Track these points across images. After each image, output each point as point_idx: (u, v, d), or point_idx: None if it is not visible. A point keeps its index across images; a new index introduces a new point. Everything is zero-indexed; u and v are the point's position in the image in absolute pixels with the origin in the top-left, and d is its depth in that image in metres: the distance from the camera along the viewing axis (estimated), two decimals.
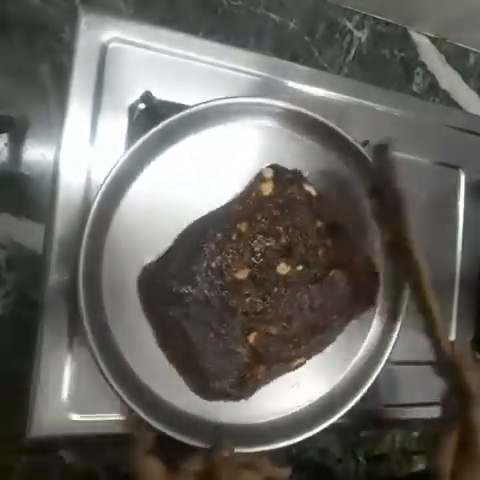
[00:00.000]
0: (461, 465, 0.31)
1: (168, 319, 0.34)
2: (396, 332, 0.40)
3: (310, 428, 0.36)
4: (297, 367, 0.38)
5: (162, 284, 0.34)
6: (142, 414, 0.32)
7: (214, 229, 0.35)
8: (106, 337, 0.34)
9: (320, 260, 0.38)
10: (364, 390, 0.38)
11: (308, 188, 0.39)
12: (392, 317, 0.40)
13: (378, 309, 0.41)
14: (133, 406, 0.32)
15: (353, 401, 0.38)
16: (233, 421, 0.37)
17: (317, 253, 0.38)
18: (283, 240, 0.37)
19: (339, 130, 0.38)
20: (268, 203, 0.37)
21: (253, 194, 0.37)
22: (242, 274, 0.36)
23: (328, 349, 0.39)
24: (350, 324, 0.40)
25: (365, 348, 0.41)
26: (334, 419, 0.37)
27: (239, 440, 0.34)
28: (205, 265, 0.35)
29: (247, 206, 0.37)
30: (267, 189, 0.37)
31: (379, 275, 0.41)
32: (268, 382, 0.37)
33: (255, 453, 0.35)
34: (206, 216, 0.37)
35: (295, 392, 0.39)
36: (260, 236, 0.36)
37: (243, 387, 0.36)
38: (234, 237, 0.36)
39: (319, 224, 0.39)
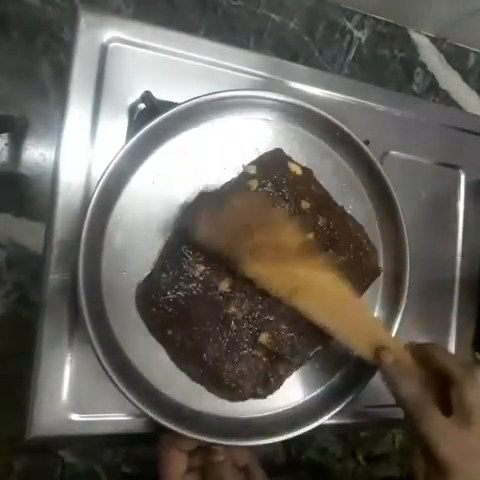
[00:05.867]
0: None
1: (171, 340, 0.34)
2: (400, 313, 0.40)
3: (316, 418, 0.36)
4: (316, 354, 0.38)
5: (155, 303, 0.34)
6: (148, 412, 0.32)
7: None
8: (107, 336, 0.34)
9: (315, 242, 0.37)
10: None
11: (293, 167, 0.38)
12: (395, 302, 0.40)
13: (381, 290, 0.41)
14: (138, 404, 0.32)
15: (360, 387, 0.38)
16: (236, 415, 0.36)
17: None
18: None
19: (339, 123, 0.38)
20: (252, 199, 0.36)
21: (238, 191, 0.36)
22: (228, 283, 0.35)
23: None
24: None
25: None
26: (341, 407, 0.37)
27: (244, 434, 0.35)
28: (190, 279, 0.34)
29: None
30: (253, 185, 0.36)
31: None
32: (291, 374, 0.37)
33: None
34: None
35: (300, 383, 0.38)
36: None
37: (268, 385, 0.36)
38: None
39: (306, 205, 0.37)
